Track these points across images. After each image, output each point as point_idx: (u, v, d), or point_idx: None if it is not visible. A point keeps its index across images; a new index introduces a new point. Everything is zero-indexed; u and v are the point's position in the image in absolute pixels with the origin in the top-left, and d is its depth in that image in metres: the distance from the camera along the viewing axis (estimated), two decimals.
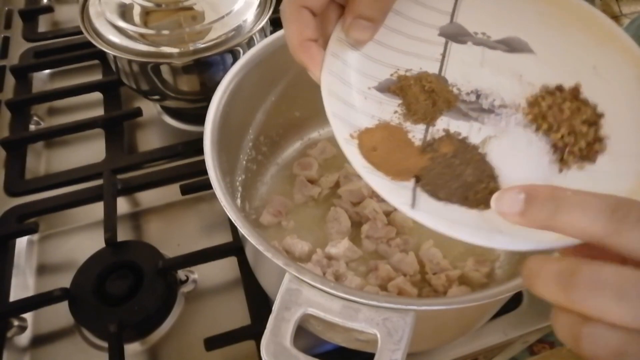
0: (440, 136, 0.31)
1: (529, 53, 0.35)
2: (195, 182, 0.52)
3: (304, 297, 0.29)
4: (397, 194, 0.28)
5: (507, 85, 0.34)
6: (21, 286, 0.48)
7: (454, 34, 0.35)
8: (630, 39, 0.33)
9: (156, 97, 0.57)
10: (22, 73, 0.68)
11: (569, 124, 0.31)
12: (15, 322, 0.45)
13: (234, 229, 0.50)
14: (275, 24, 0.66)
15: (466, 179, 0.29)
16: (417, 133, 0.32)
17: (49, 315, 0.46)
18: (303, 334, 0.36)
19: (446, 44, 0.35)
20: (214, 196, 0.34)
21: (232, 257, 0.48)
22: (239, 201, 0.47)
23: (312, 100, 0.52)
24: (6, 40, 0.74)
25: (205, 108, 0.40)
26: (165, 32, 0.51)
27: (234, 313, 0.46)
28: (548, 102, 0.32)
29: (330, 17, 0.33)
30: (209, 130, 0.39)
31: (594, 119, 0.31)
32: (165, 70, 0.52)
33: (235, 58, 0.53)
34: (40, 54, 0.71)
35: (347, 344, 0.37)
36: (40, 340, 0.45)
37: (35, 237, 0.52)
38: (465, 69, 0.34)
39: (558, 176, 0.30)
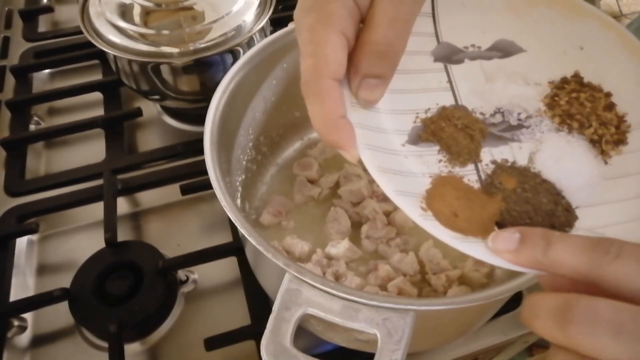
0: (492, 170, 0.30)
1: (521, 52, 0.34)
2: (195, 182, 0.52)
3: (304, 297, 0.29)
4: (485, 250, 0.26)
5: (522, 93, 0.33)
6: (21, 286, 0.48)
7: (448, 55, 0.34)
8: (596, 8, 0.33)
9: (156, 97, 0.57)
10: (22, 73, 0.68)
11: (595, 116, 0.31)
12: (15, 322, 0.45)
13: (234, 229, 0.50)
14: (276, 23, 0.66)
15: (546, 208, 0.28)
16: (470, 175, 0.30)
17: (49, 315, 0.46)
18: (303, 334, 0.36)
19: (446, 68, 0.34)
20: (214, 196, 0.34)
21: (232, 257, 0.48)
22: (239, 201, 0.47)
23: None
24: (6, 40, 0.74)
25: (205, 108, 0.40)
26: (165, 32, 0.51)
27: (234, 313, 0.46)
28: (565, 99, 0.32)
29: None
30: (208, 130, 0.39)
31: (609, 102, 0.32)
32: (165, 70, 0.52)
33: (235, 58, 0.53)
34: (40, 54, 0.71)
35: (347, 344, 0.37)
36: (40, 340, 0.45)
37: (35, 237, 0.52)
38: (477, 90, 0.33)
39: (608, 168, 0.30)
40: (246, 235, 0.32)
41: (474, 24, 0.35)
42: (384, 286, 0.44)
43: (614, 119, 0.31)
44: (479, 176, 0.30)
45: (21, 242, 0.51)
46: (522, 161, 0.30)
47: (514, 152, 0.31)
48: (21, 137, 0.59)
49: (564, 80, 0.33)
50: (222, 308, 0.46)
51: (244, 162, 0.49)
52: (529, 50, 0.34)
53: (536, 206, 0.28)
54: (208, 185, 0.35)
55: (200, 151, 0.37)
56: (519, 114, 0.32)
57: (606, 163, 0.30)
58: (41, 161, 0.60)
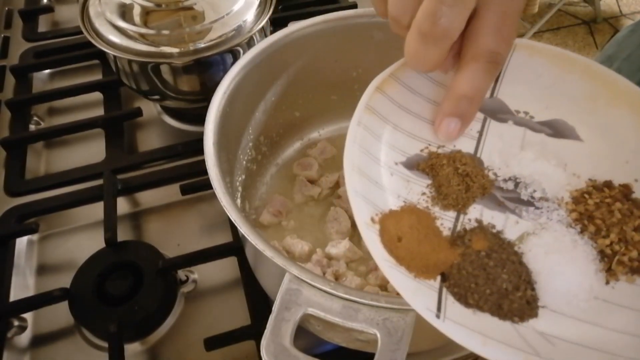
0: (472, 227, 0.28)
1: (576, 140, 0.31)
2: (195, 182, 0.52)
3: (304, 297, 0.29)
4: (420, 296, 0.25)
5: (550, 175, 0.30)
6: (21, 286, 0.48)
7: (494, 111, 0.32)
8: None
9: (156, 97, 0.57)
10: (22, 73, 0.68)
11: (619, 229, 0.28)
12: (15, 322, 0.45)
13: (234, 229, 0.50)
14: (276, 24, 0.66)
15: (501, 284, 0.26)
16: (446, 221, 0.28)
17: (49, 315, 0.46)
18: (303, 334, 0.36)
19: (484, 120, 0.32)
20: (214, 196, 0.34)
21: (232, 257, 0.48)
22: (239, 201, 0.47)
23: (312, 100, 0.53)
24: (6, 40, 0.74)
25: (205, 108, 0.40)
26: (165, 32, 0.51)
27: (234, 313, 0.46)
28: (595, 200, 0.29)
29: None
30: (209, 130, 0.39)
31: None
32: (165, 70, 0.52)
33: (235, 58, 0.53)
34: (40, 54, 0.71)
35: (347, 344, 0.37)
36: (40, 340, 0.45)
37: (35, 237, 0.52)
38: (505, 151, 0.31)
39: (605, 288, 0.26)
40: (246, 235, 0.32)
41: (539, 97, 0.32)
42: (384, 286, 0.44)
43: None
44: (454, 226, 0.28)
45: (21, 242, 0.51)
46: (510, 235, 0.28)
47: (507, 224, 0.29)
48: (21, 137, 0.59)
49: (608, 185, 0.30)
50: (222, 308, 0.46)
51: (244, 162, 0.49)
52: (586, 142, 0.31)
53: (491, 277, 0.26)
54: (208, 185, 0.35)
55: (200, 151, 0.37)
56: (534, 191, 0.30)
57: (607, 283, 0.27)
58: (41, 161, 0.60)
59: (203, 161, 0.36)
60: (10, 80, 0.67)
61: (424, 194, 0.29)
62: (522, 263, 0.27)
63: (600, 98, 0.32)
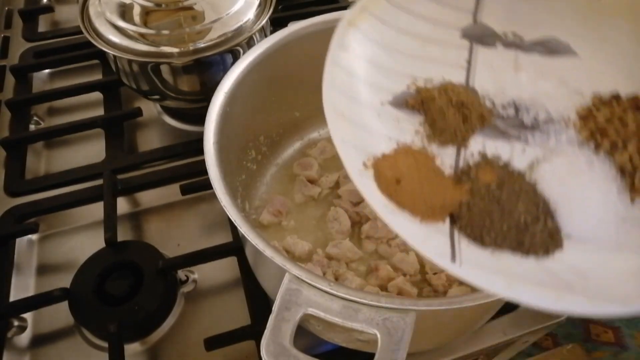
0: (476, 162, 0.25)
1: (572, 56, 0.29)
2: (195, 182, 0.52)
3: (304, 297, 0.29)
4: (431, 241, 0.22)
5: (552, 95, 0.28)
6: (21, 286, 0.48)
7: (479, 36, 0.29)
8: None
9: (156, 97, 0.57)
10: (22, 73, 0.68)
11: (637, 140, 0.25)
12: (15, 322, 0.45)
13: (234, 229, 0.50)
14: (276, 23, 0.66)
15: (518, 218, 0.23)
16: (446, 158, 0.26)
17: (49, 315, 0.46)
18: (303, 334, 0.36)
19: (471, 47, 0.29)
20: (214, 196, 0.34)
21: (232, 257, 0.48)
22: (239, 201, 0.47)
23: (312, 100, 0.52)
24: (6, 40, 0.74)
25: (205, 108, 0.40)
26: (165, 32, 0.51)
27: (234, 313, 0.46)
28: (605, 114, 0.26)
29: None
30: (209, 130, 0.39)
31: None
32: (165, 70, 0.52)
33: (235, 58, 0.53)
34: (40, 54, 0.71)
35: (347, 344, 0.37)
36: (40, 340, 0.45)
37: (35, 237, 0.52)
38: (498, 77, 0.28)
39: (631, 208, 0.24)
40: (246, 235, 0.32)
41: (524, 14, 0.29)
42: (384, 286, 0.44)
43: None
44: (456, 162, 0.26)
45: (21, 242, 0.51)
46: (518, 165, 0.26)
47: (513, 153, 0.26)
48: (21, 137, 0.59)
49: (616, 97, 0.27)
50: (222, 308, 0.46)
51: (244, 162, 0.49)
52: (584, 57, 0.29)
53: (506, 211, 0.23)
54: (208, 185, 0.35)
55: (200, 151, 0.37)
56: (537, 113, 0.27)
57: (632, 202, 0.24)
58: (41, 161, 0.60)
59: (203, 161, 0.36)
60: (10, 80, 0.67)
61: (417, 132, 0.26)
62: (537, 193, 0.24)
63: (591, 9, 0.29)
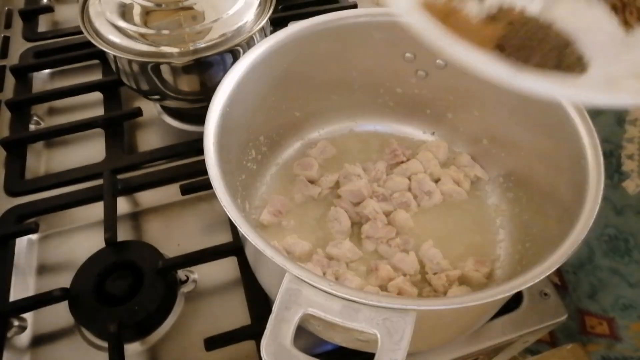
0: (495, 11, 0.27)
1: None
2: (195, 182, 0.52)
3: (304, 297, 0.29)
4: (492, 64, 0.24)
5: None
6: (21, 286, 0.48)
7: None
8: None
9: (156, 97, 0.57)
10: (22, 73, 0.68)
11: None
12: (15, 322, 0.45)
13: (234, 229, 0.50)
14: (276, 24, 0.66)
15: (555, 40, 0.26)
16: (469, 10, 0.27)
17: (49, 315, 0.46)
18: (303, 334, 0.36)
19: None
20: (214, 196, 0.34)
21: (232, 257, 0.48)
22: (239, 201, 0.47)
23: (312, 100, 0.53)
24: (6, 40, 0.74)
25: (205, 108, 0.40)
26: (165, 32, 0.51)
27: (234, 313, 0.46)
28: None
29: None
30: (209, 130, 0.39)
31: None
32: (165, 70, 0.52)
33: (235, 58, 0.53)
34: (40, 54, 0.71)
35: (347, 344, 0.37)
36: (40, 340, 0.45)
37: (35, 237, 0.52)
38: None
39: (629, 36, 0.27)
40: (246, 235, 0.32)
41: None
42: (384, 286, 0.44)
43: None
44: (480, 12, 0.27)
45: (21, 242, 0.51)
46: (533, 8, 0.28)
47: (524, 2, 0.28)
48: (21, 137, 0.59)
49: None
50: (222, 308, 0.46)
51: (244, 162, 0.49)
52: None
53: (544, 34, 0.26)
54: (208, 185, 0.35)
55: (200, 151, 0.37)
56: None
57: (627, 33, 0.27)
58: (41, 161, 0.60)
59: (203, 161, 0.36)
60: (10, 80, 0.67)
61: None
62: (556, 28, 0.27)
63: None
